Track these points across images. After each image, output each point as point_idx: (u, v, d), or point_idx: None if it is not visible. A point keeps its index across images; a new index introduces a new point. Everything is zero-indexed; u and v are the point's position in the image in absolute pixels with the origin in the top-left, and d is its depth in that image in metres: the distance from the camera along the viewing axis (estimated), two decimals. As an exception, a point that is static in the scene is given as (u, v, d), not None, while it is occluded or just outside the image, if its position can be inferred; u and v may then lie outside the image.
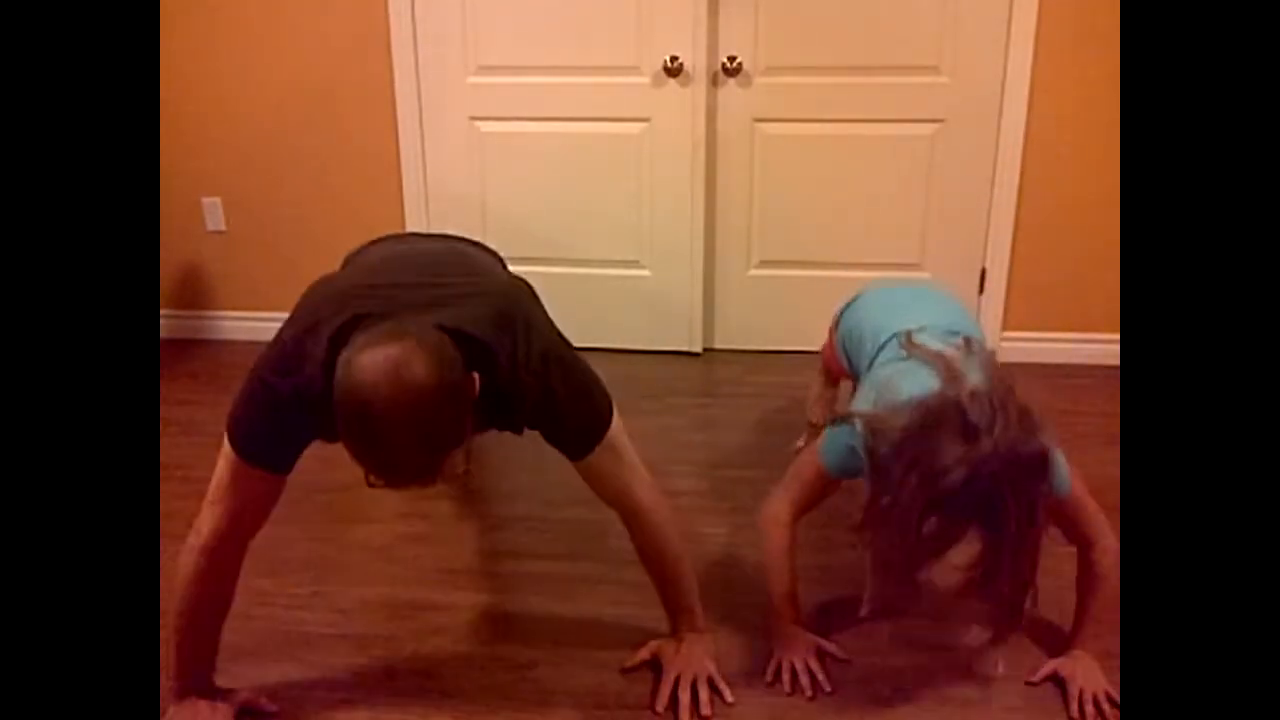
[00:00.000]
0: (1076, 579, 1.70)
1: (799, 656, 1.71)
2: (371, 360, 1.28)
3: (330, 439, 1.55)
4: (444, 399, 1.30)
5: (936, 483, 1.33)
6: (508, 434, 1.58)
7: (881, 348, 1.77)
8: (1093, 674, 1.66)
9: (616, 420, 1.62)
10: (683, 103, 2.90)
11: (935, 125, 2.90)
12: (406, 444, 1.28)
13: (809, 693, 1.66)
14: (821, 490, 1.71)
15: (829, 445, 1.66)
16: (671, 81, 2.88)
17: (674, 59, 2.84)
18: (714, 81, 2.91)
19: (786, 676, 1.69)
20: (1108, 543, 1.66)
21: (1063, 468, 1.52)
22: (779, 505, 1.73)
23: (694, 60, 2.85)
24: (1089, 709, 1.61)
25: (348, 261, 1.96)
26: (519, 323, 1.48)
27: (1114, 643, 1.70)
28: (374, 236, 2.03)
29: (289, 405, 1.45)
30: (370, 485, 1.38)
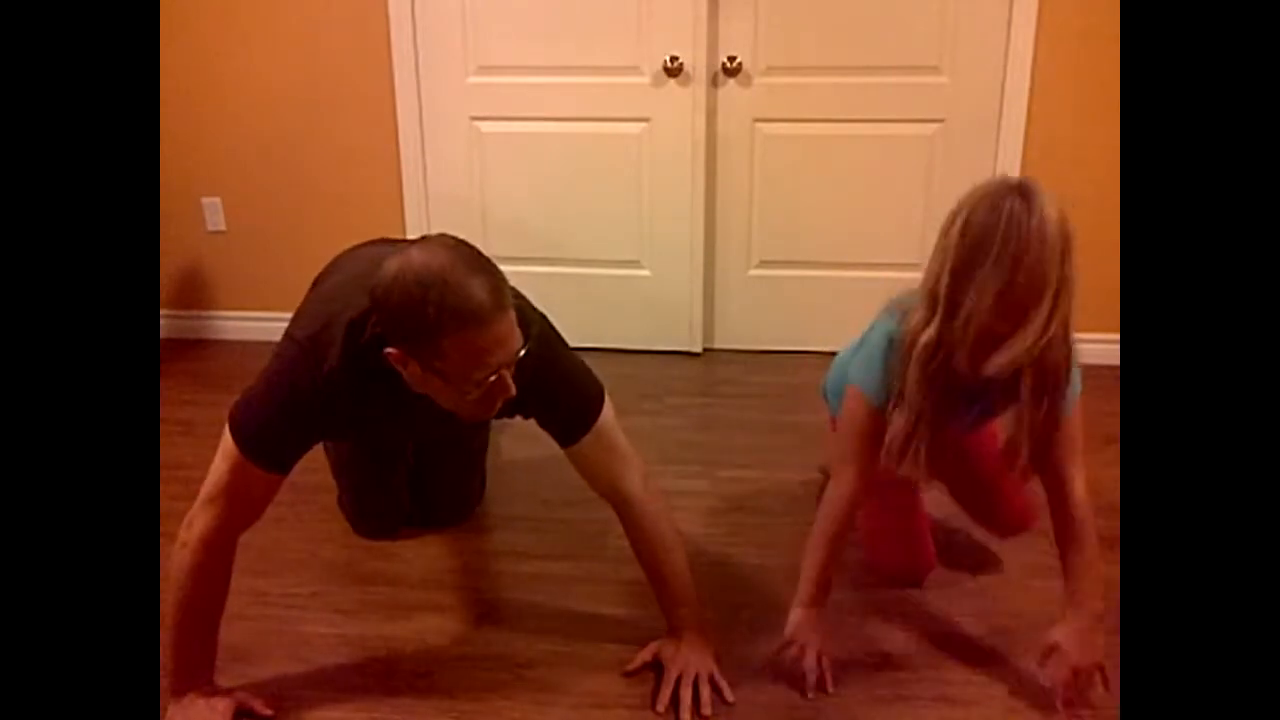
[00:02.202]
0: (1056, 537, 1.63)
1: (812, 648, 1.66)
2: (395, 257, 1.36)
3: (344, 437, 1.55)
4: (472, 249, 1.39)
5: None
6: (504, 440, 1.59)
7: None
8: (1087, 645, 1.59)
9: (609, 411, 1.64)
10: (683, 103, 2.90)
11: (935, 125, 2.90)
12: (466, 270, 1.33)
13: (809, 693, 1.65)
14: (875, 432, 1.59)
15: (863, 370, 1.60)
16: (671, 81, 2.88)
17: (674, 59, 2.84)
18: (714, 81, 2.91)
19: (794, 652, 1.65)
20: (1081, 491, 1.60)
21: (1078, 382, 1.56)
22: (839, 484, 1.65)
23: (694, 60, 2.85)
24: (1083, 682, 1.58)
25: (332, 267, 1.89)
26: (514, 310, 1.51)
27: (1114, 642, 1.70)
28: (367, 238, 2.01)
29: (305, 402, 1.47)
30: (477, 388, 1.40)
